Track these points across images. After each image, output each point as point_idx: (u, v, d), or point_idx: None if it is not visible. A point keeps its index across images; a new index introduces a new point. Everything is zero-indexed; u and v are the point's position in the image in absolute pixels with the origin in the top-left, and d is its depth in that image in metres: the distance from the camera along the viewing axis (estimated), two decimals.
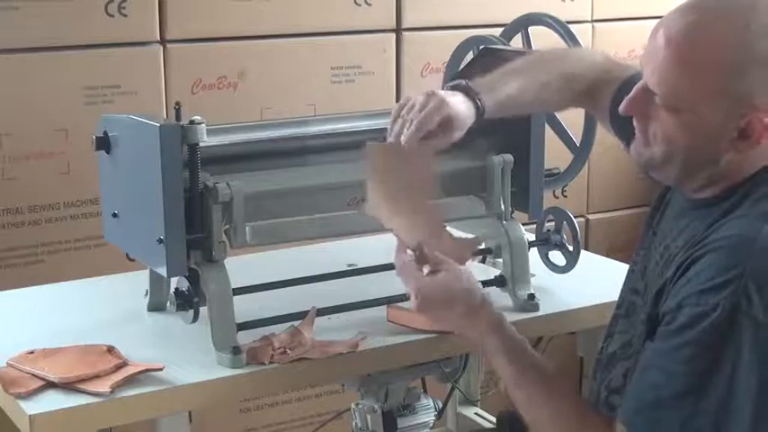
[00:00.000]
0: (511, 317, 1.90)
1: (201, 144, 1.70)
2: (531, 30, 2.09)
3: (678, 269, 1.41)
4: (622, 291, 1.63)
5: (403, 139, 1.63)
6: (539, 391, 1.49)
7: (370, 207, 1.65)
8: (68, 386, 1.60)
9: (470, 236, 1.90)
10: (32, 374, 1.63)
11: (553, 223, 2.07)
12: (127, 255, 1.85)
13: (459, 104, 1.67)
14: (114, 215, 1.83)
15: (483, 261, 2.14)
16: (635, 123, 1.49)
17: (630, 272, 1.63)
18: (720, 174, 1.44)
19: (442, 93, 1.67)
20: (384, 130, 1.90)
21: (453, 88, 1.70)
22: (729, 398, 1.32)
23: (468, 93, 1.70)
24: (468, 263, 1.65)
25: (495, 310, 1.59)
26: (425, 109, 1.63)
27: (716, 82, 1.37)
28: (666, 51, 1.39)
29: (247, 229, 1.75)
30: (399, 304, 1.82)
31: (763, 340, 1.32)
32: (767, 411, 1.33)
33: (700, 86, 1.38)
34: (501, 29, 2.15)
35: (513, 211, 1.97)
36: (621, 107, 1.48)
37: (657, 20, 1.44)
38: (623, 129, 1.60)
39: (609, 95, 1.71)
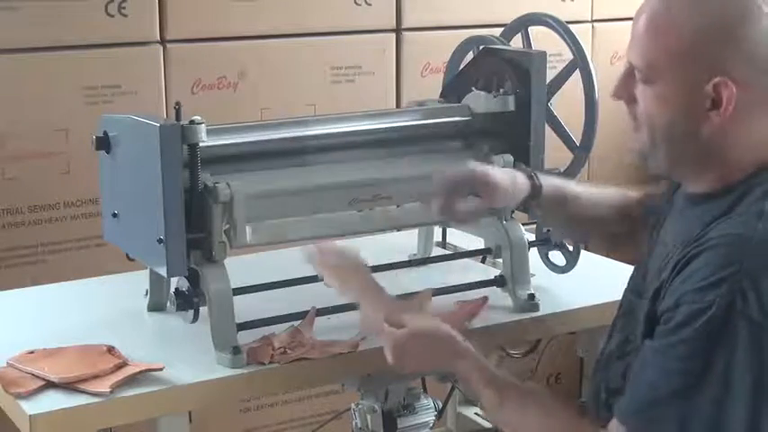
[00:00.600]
0: (511, 317, 1.91)
1: (201, 144, 1.70)
2: (531, 30, 2.09)
3: (675, 267, 1.41)
4: (624, 291, 1.64)
5: None
6: (524, 410, 1.50)
7: (326, 281, 1.73)
8: (68, 386, 1.60)
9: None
10: (32, 374, 1.63)
11: None
12: (127, 255, 1.85)
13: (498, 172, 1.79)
14: (114, 215, 1.83)
15: (483, 261, 2.14)
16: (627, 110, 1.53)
17: (633, 273, 1.64)
18: (710, 160, 1.45)
19: None
20: (382, 130, 1.93)
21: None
22: (725, 396, 1.32)
23: (520, 168, 1.83)
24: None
25: (464, 342, 1.60)
26: None
27: (684, 46, 1.41)
28: (645, 26, 1.45)
29: (247, 229, 1.75)
30: None
31: (758, 339, 1.32)
32: (762, 409, 1.33)
33: (669, 51, 1.42)
34: (501, 29, 2.14)
35: (513, 211, 1.97)
36: (610, 92, 1.52)
37: None
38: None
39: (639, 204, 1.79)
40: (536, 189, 1.77)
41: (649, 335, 1.42)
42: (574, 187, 1.82)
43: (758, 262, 1.33)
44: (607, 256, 2.32)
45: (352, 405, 2.06)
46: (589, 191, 1.84)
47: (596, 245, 2.00)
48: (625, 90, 1.50)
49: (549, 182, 1.79)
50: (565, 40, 1.99)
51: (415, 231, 2.18)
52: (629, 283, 1.63)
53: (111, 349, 1.70)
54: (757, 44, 1.40)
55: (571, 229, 1.91)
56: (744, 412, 1.32)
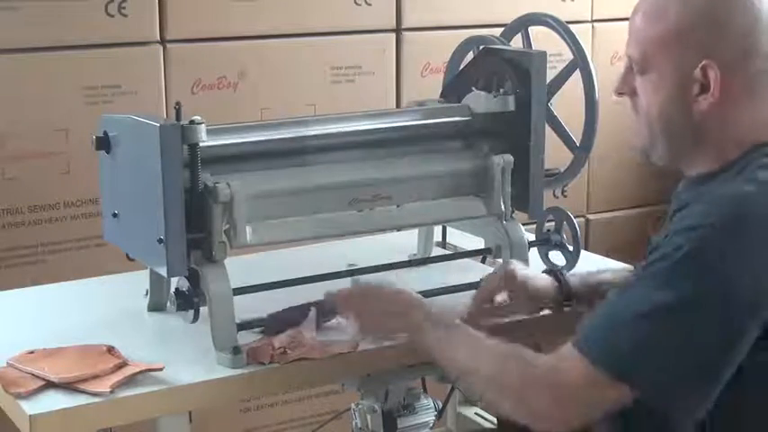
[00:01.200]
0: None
1: (201, 144, 1.70)
2: (531, 30, 2.09)
3: (663, 223, 1.50)
4: None
5: None
6: (473, 348, 1.56)
7: None
8: (68, 386, 1.60)
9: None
10: (32, 374, 1.63)
11: (553, 223, 2.08)
12: (127, 255, 1.85)
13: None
14: (114, 215, 1.83)
15: (483, 261, 2.14)
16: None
17: None
18: (704, 143, 1.51)
19: None
20: (382, 130, 1.93)
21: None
22: (681, 332, 1.37)
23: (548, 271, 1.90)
24: None
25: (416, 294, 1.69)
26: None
27: (673, 33, 1.48)
28: (639, 19, 1.52)
29: (247, 229, 1.75)
30: None
31: (720, 284, 1.37)
32: (713, 350, 1.38)
33: (660, 38, 1.49)
34: (501, 29, 2.14)
35: (513, 211, 1.97)
36: (613, 89, 1.58)
37: None
38: None
39: None
40: (566, 290, 1.84)
41: None
42: (602, 277, 1.86)
43: (737, 219, 1.39)
44: (607, 255, 2.33)
45: (352, 405, 2.06)
46: (612, 275, 1.86)
47: None
48: (626, 85, 1.56)
49: (577, 284, 1.85)
50: (565, 40, 1.99)
51: (415, 231, 2.18)
52: None
53: (111, 349, 1.69)
54: (744, 33, 1.46)
55: None
56: (700, 349, 1.37)
